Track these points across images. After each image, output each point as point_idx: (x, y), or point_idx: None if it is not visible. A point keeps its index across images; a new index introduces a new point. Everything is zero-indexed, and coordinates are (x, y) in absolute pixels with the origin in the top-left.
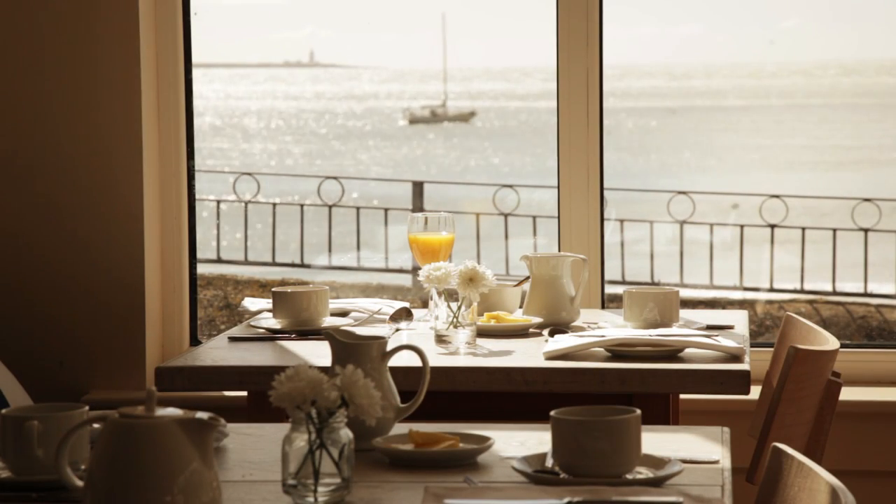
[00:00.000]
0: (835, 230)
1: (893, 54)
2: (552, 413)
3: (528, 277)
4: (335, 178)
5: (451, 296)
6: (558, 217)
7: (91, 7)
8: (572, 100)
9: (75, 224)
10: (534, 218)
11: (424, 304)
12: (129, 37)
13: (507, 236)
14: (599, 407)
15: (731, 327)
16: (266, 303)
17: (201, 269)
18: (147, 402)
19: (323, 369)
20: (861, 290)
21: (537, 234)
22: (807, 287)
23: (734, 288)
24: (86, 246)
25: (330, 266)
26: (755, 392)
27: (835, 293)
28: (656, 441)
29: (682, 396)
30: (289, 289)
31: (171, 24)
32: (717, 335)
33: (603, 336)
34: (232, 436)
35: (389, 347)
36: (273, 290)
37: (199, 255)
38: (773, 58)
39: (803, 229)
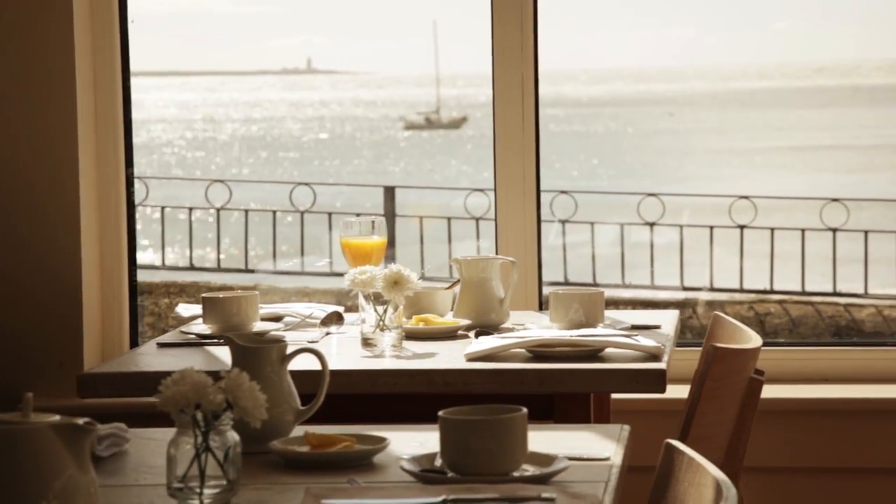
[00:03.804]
0: (803, 230)
1: (887, 55)
2: (440, 413)
3: (458, 280)
4: (307, 184)
5: (379, 299)
6: (495, 220)
7: (24, 14)
8: (507, 106)
9: (10, 233)
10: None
11: None
12: (64, 44)
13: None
14: (488, 406)
15: (657, 327)
16: (200, 309)
17: (174, 276)
18: (23, 408)
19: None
20: (830, 290)
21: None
22: (776, 287)
23: (704, 289)
24: (22, 254)
25: (302, 272)
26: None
27: (804, 293)
28: (554, 439)
29: (618, 396)
30: (220, 294)
31: (108, 31)
32: (636, 335)
33: (524, 337)
34: (137, 441)
35: (301, 349)
36: (203, 295)
37: (170, 262)
38: (765, 59)
39: (772, 230)
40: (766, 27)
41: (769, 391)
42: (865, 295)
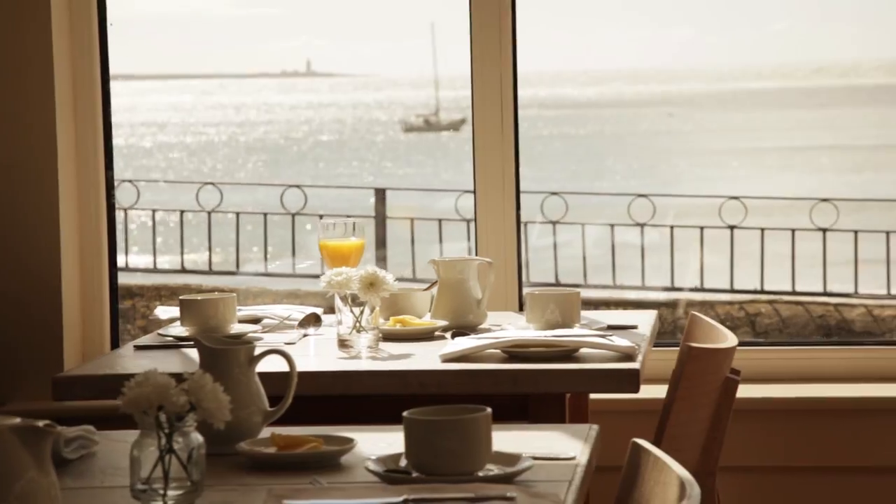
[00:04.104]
0: (793, 230)
1: (886, 54)
2: (404, 413)
3: (436, 281)
4: (297, 186)
5: (355, 300)
6: (475, 222)
7: (1, 19)
8: (486, 107)
9: None
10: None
11: None
12: (42, 48)
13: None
14: (452, 406)
15: (634, 327)
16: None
17: (166, 279)
18: None
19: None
20: (820, 290)
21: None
22: (766, 287)
23: (695, 290)
24: (1, 258)
25: (294, 274)
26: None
27: (794, 293)
28: (523, 439)
29: (596, 397)
30: (197, 297)
31: (87, 34)
32: (611, 335)
33: (499, 338)
34: (107, 443)
35: (268, 351)
36: (180, 298)
37: (160, 265)
38: (765, 59)
39: (762, 230)
40: (765, 27)
41: (747, 391)
42: (856, 295)
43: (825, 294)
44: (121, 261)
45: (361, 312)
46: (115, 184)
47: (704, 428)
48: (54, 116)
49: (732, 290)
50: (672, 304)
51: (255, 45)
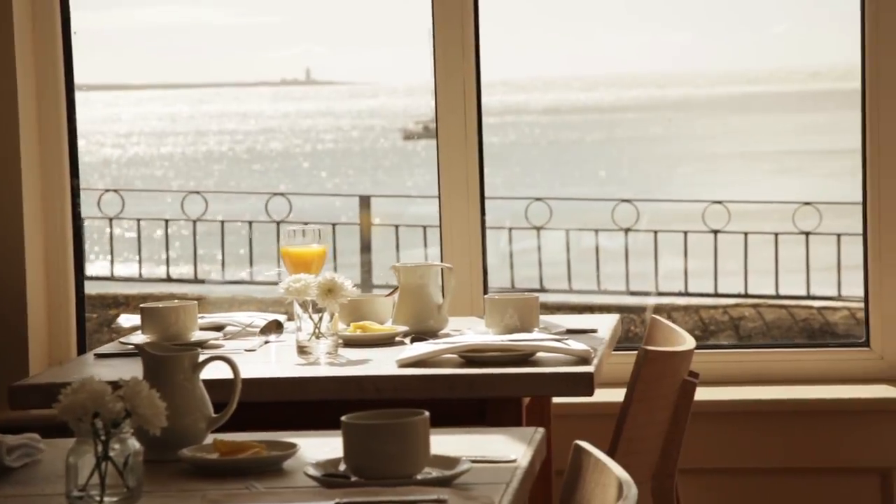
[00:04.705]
0: (776, 234)
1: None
2: (342, 418)
3: (398, 287)
4: (282, 194)
5: (315, 307)
6: (440, 227)
7: None
8: (450, 114)
9: None
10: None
11: None
12: (5, 57)
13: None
14: (391, 410)
15: (593, 331)
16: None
17: (150, 288)
18: None
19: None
20: (804, 293)
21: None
22: (750, 291)
23: (679, 294)
24: None
25: (278, 282)
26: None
27: (778, 296)
28: (467, 443)
29: (559, 401)
30: (158, 304)
31: (51, 43)
32: (568, 339)
33: (457, 342)
34: (53, 451)
35: (212, 357)
36: (141, 306)
37: (146, 273)
38: (763, 63)
39: (745, 234)
40: (763, 31)
41: (708, 393)
42: (839, 298)
43: (809, 297)
44: (106, 270)
45: (320, 319)
46: (101, 193)
47: (663, 430)
48: (17, 125)
49: (716, 294)
50: (656, 309)
51: (254, 54)
